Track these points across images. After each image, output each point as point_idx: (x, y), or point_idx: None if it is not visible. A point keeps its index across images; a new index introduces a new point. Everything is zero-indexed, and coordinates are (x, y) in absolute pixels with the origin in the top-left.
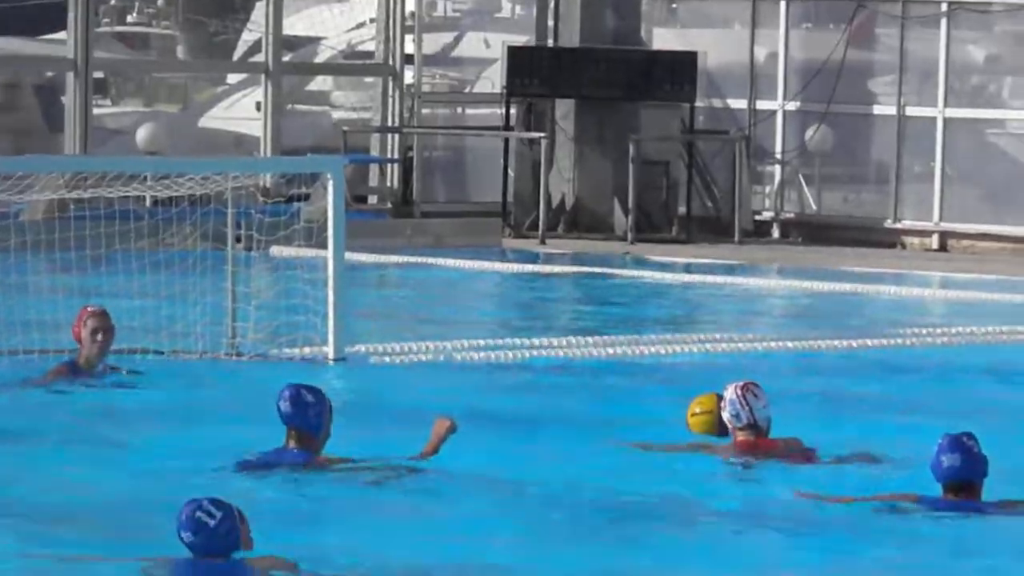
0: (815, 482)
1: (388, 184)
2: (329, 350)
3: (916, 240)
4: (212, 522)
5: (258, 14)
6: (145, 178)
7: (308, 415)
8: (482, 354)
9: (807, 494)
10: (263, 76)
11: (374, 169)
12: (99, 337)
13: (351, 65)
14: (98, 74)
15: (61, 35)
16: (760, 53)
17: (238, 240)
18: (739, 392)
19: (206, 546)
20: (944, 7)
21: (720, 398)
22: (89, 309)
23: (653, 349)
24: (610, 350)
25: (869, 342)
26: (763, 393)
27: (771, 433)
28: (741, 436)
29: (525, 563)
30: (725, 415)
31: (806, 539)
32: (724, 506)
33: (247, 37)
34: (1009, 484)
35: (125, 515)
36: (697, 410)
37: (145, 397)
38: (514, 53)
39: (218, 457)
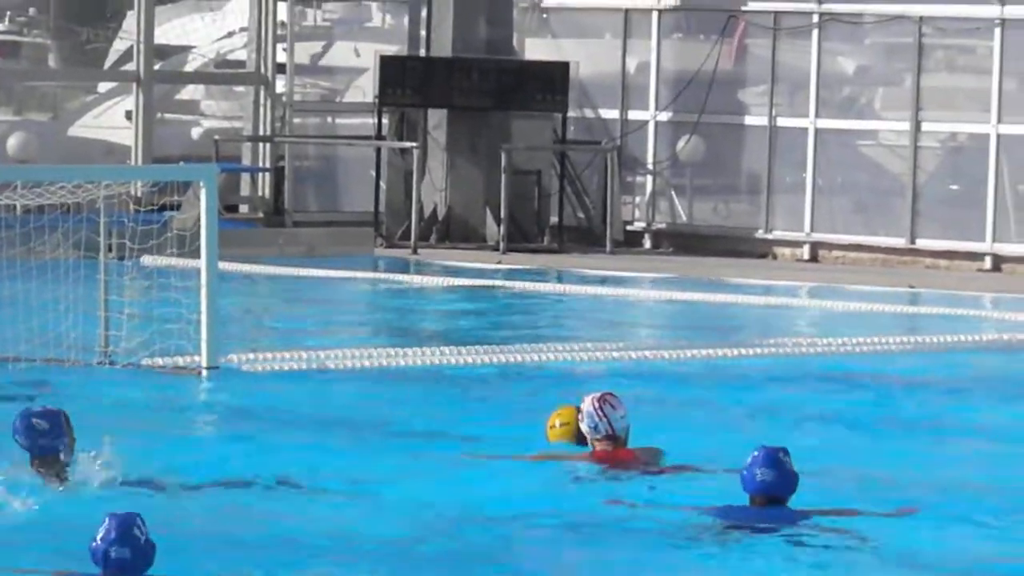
0: (664, 490)
1: (259, 193)
2: (202, 359)
3: (787, 251)
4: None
5: (129, 23)
6: (16, 186)
7: (46, 441)
8: (353, 363)
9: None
10: (134, 84)
11: (245, 178)
12: None
13: (223, 74)
14: None
15: None
16: (632, 63)
17: (110, 249)
18: (596, 404)
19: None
20: (815, 18)
21: (579, 410)
22: None
23: (520, 358)
24: (480, 358)
25: (732, 351)
26: (620, 403)
27: (630, 442)
28: (599, 447)
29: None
30: (583, 427)
31: (658, 548)
32: (578, 516)
33: (118, 46)
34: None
35: None
36: (557, 423)
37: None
38: (386, 62)
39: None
